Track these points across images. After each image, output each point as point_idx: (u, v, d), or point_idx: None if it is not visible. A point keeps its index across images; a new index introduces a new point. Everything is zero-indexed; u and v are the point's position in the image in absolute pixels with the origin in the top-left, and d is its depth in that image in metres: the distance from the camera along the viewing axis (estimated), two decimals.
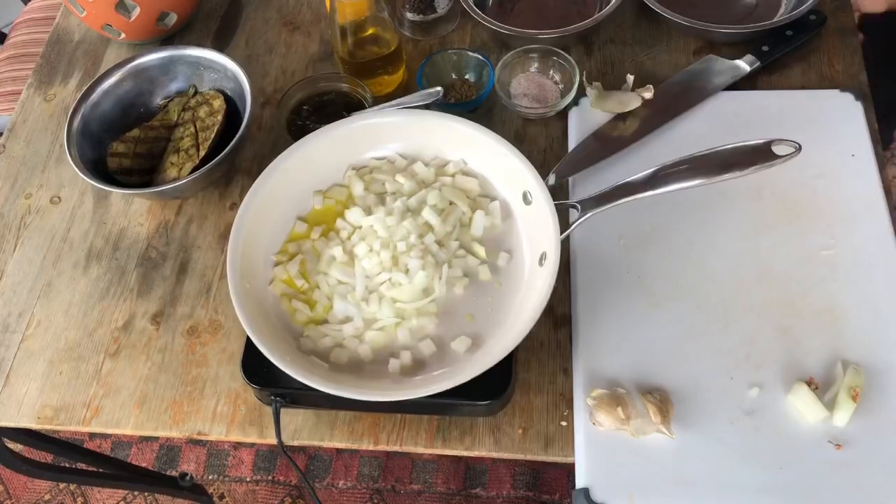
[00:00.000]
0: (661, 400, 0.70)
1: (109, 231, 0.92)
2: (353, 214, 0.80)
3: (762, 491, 0.66)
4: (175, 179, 0.87)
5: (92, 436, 1.59)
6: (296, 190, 0.82)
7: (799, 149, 0.71)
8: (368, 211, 0.80)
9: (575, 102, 0.91)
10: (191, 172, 0.86)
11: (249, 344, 0.72)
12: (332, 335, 0.74)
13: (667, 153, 0.75)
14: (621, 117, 0.88)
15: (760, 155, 0.71)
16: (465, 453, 0.74)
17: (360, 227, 0.79)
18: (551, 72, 0.94)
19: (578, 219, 0.74)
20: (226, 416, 0.78)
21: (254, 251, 0.77)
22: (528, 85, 0.94)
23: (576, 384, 0.73)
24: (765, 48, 0.91)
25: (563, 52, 0.92)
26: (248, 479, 1.52)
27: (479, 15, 0.97)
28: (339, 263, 0.78)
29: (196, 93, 0.96)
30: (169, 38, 1.08)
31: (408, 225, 0.77)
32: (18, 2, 1.88)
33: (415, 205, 0.80)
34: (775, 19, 0.95)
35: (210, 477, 1.53)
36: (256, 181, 0.78)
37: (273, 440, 0.74)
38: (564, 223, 0.72)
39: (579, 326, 0.76)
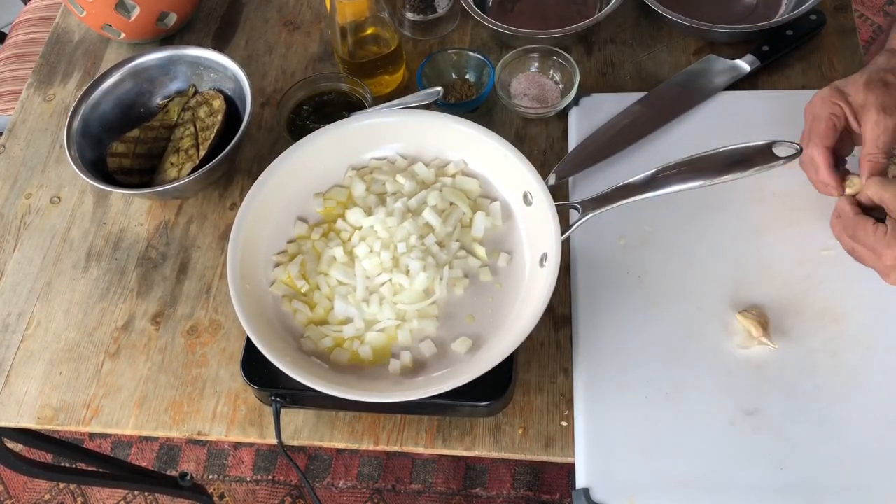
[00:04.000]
0: (759, 315, 0.72)
1: (109, 231, 0.92)
2: (354, 215, 0.80)
3: (762, 491, 0.66)
4: (175, 179, 0.87)
5: (92, 436, 1.59)
6: (296, 190, 0.82)
7: (800, 150, 0.71)
8: (369, 211, 0.80)
9: (575, 102, 0.91)
10: (191, 172, 0.86)
11: (249, 344, 0.72)
12: (332, 336, 0.74)
13: (667, 153, 0.75)
14: (621, 117, 0.88)
15: (761, 156, 0.71)
16: (466, 453, 0.74)
17: (361, 228, 0.79)
18: (551, 71, 0.94)
19: (579, 220, 0.74)
20: (226, 417, 0.78)
21: (254, 252, 0.77)
22: (528, 85, 0.94)
23: (576, 384, 0.73)
24: (765, 48, 0.91)
25: (563, 52, 0.92)
26: (248, 479, 1.52)
27: (479, 15, 0.97)
28: (339, 264, 0.78)
29: (196, 93, 0.96)
30: (169, 38, 1.08)
31: (408, 226, 0.77)
32: (18, 2, 1.88)
33: (415, 205, 0.80)
34: (775, 19, 0.95)
35: (210, 477, 1.53)
36: (256, 181, 0.78)
37: (273, 440, 0.74)
38: (565, 224, 0.72)
39: (579, 327, 0.76)
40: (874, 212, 0.68)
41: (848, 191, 0.69)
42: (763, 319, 0.73)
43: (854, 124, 0.69)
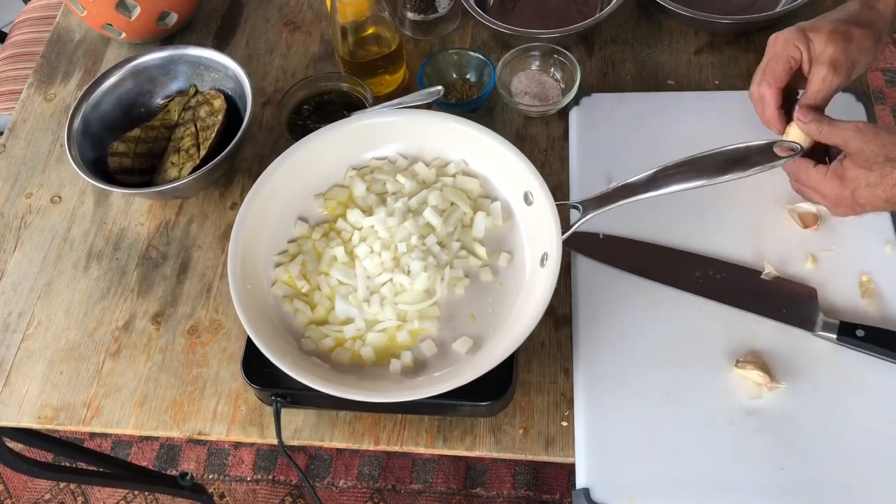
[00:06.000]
0: (756, 360, 0.71)
1: (110, 231, 0.92)
2: (354, 215, 0.80)
3: (762, 491, 0.66)
4: (175, 179, 0.87)
5: (92, 435, 1.59)
6: (296, 190, 0.82)
7: (800, 150, 0.71)
8: (369, 211, 0.80)
9: (576, 102, 0.91)
10: (191, 172, 0.86)
11: (250, 344, 0.72)
12: (333, 336, 0.74)
13: (667, 154, 0.75)
14: None
15: (762, 155, 0.71)
16: (466, 453, 0.74)
17: (361, 228, 0.79)
18: (552, 70, 0.94)
19: (579, 220, 0.73)
20: (226, 416, 0.78)
21: (254, 251, 0.77)
22: (528, 83, 0.94)
23: (576, 384, 0.73)
24: None
25: (564, 51, 0.92)
26: (248, 479, 1.52)
27: (480, 14, 0.97)
28: (340, 264, 0.78)
29: (196, 92, 0.96)
30: (169, 38, 1.08)
31: (409, 226, 0.77)
32: (19, 1, 1.88)
33: (416, 205, 0.80)
34: (777, 10, 0.95)
35: (210, 476, 1.53)
36: (257, 181, 0.78)
37: (273, 440, 0.74)
38: (565, 224, 0.72)
39: (580, 326, 0.76)
40: (815, 154, 0.73)
41: (785, 136, 0.73)
42: (761, 365, 0.70)
43: (807, 69, 0.72)
